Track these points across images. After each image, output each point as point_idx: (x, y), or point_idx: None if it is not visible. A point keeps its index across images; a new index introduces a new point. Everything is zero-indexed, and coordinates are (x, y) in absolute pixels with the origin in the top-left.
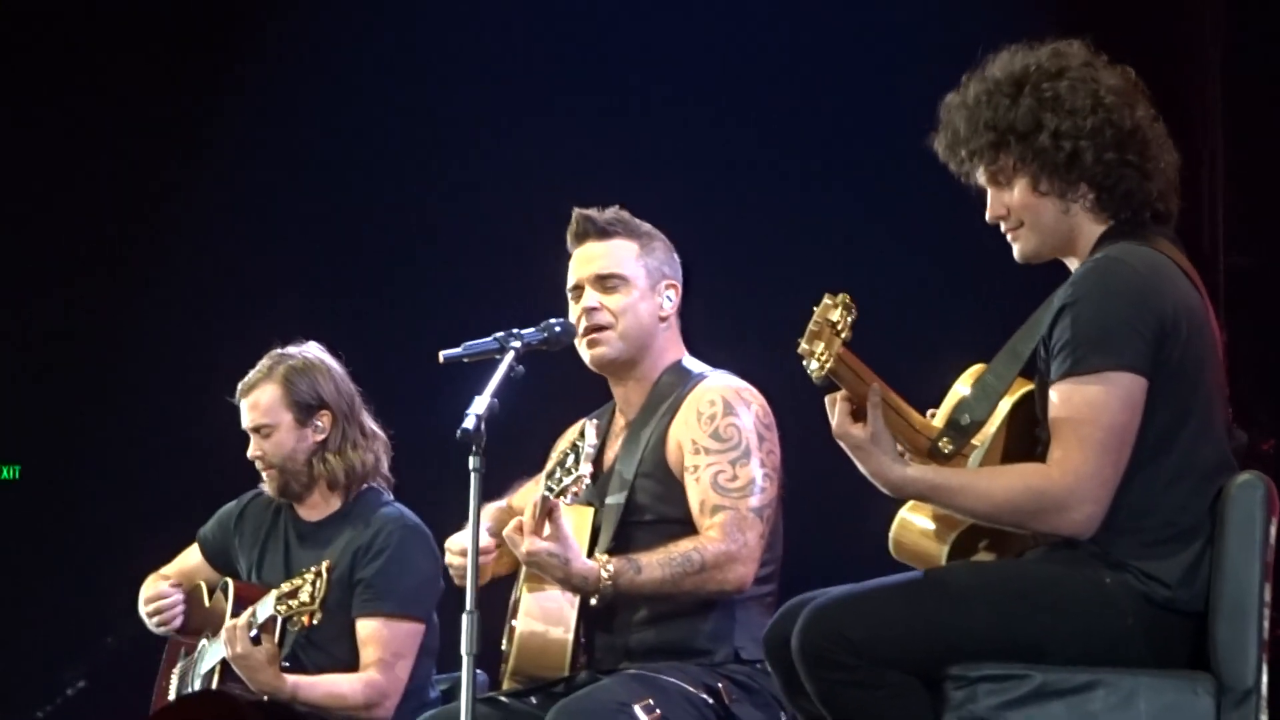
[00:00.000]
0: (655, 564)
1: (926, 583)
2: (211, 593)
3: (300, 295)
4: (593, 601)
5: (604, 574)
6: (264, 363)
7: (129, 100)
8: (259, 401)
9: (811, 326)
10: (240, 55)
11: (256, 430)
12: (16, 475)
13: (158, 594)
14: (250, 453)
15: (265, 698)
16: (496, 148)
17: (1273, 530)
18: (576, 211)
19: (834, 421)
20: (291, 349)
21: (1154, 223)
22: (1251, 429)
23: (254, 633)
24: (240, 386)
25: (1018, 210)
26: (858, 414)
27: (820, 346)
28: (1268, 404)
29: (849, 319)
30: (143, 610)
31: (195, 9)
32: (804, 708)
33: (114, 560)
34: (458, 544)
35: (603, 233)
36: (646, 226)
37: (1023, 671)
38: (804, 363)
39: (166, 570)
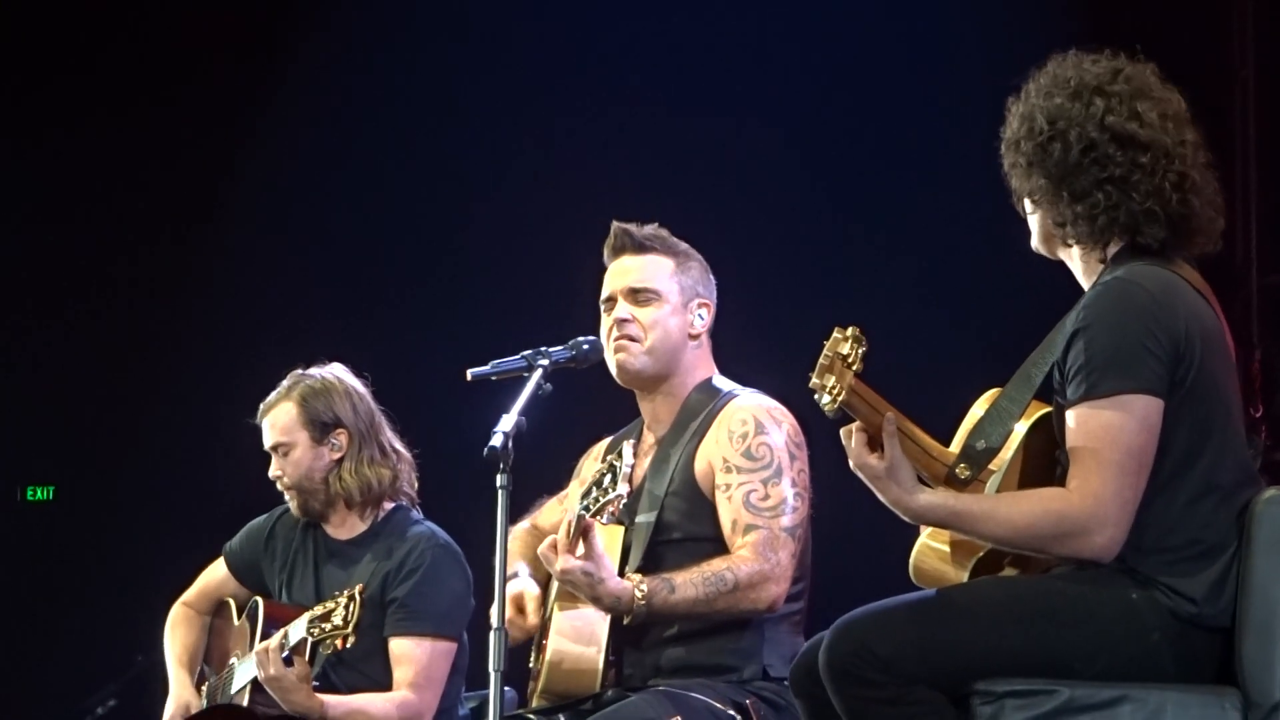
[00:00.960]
0: (689, 583)
1: (954, 599)
2: (240, 611)
3: (329, 315)
4: (625, 621)
5: (638, 594)
6: (284, 383)
7: (159, 123)
8: (277, 421)
9: (821, 360)
10: (269, 75)
11: (275, 449)
12: (51, 496)
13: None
14: (271, 473)
15: (293, 715)
16: (527, 165)
17: None
18: (615, 225)
19: (850, 452)
20: (313, 370)
21: (1174, 246)
22: None
23: (286, 654)
24: (261, 407)
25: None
26: (874, 444)
27: (831, 380)
28: None
29: (859, 351)
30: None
31: (228, 29)
32: None
33: (145, 580)
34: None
35: (640, 247)
36: (684, 245)
37: (1050, 687)
38: (815, 397)
39: (189, 596)
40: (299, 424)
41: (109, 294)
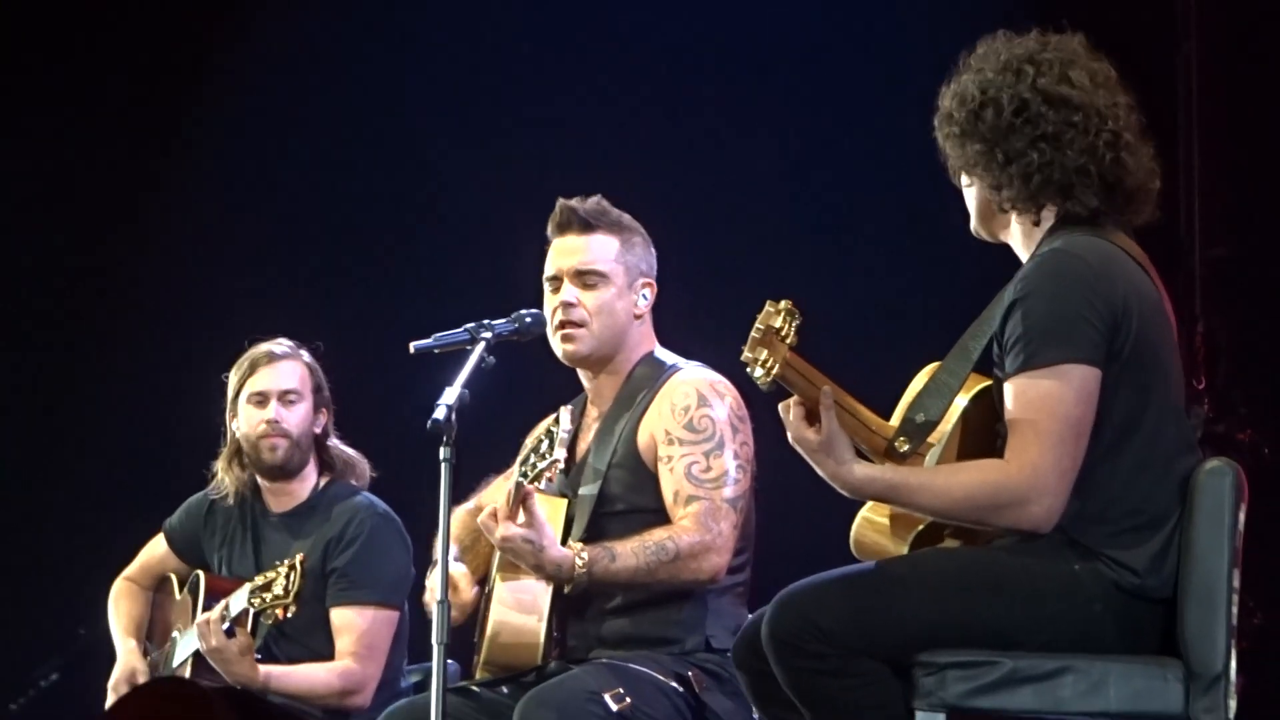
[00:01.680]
0: (630, 552)
1: (897, 570)
2: (182, 585)
3: (272, 288)
4: (566, 589)
5: (579, 561)
6: (276, 343)
7: (106, 97)
8: (291, 371)
9: (753, 334)
10: (217, 49)
11: (284, 395)
12: None
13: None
14: (268, 415)
15: (236, 686)
16: (470, 138)
17: (1241, 516)
18: (561, 202)
19: (789, 426)
20: (286, 341)
21: (1110, 213)
22: (1230, 419)
23: (227, 625)
24: (256, 357)
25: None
26: (812, 418)
27: (764, 354)
28: (1245, 394)
29: (793, 324)
30: (113, 685)
31: (173, 3)
32: (773, 714)
33: (86, 554)
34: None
35: (585, 225)
36: (628, 220)
37: (992, 658)
38: (748, 370)
39: (131, 571)
40: (309, 386)
41: (44, 270)
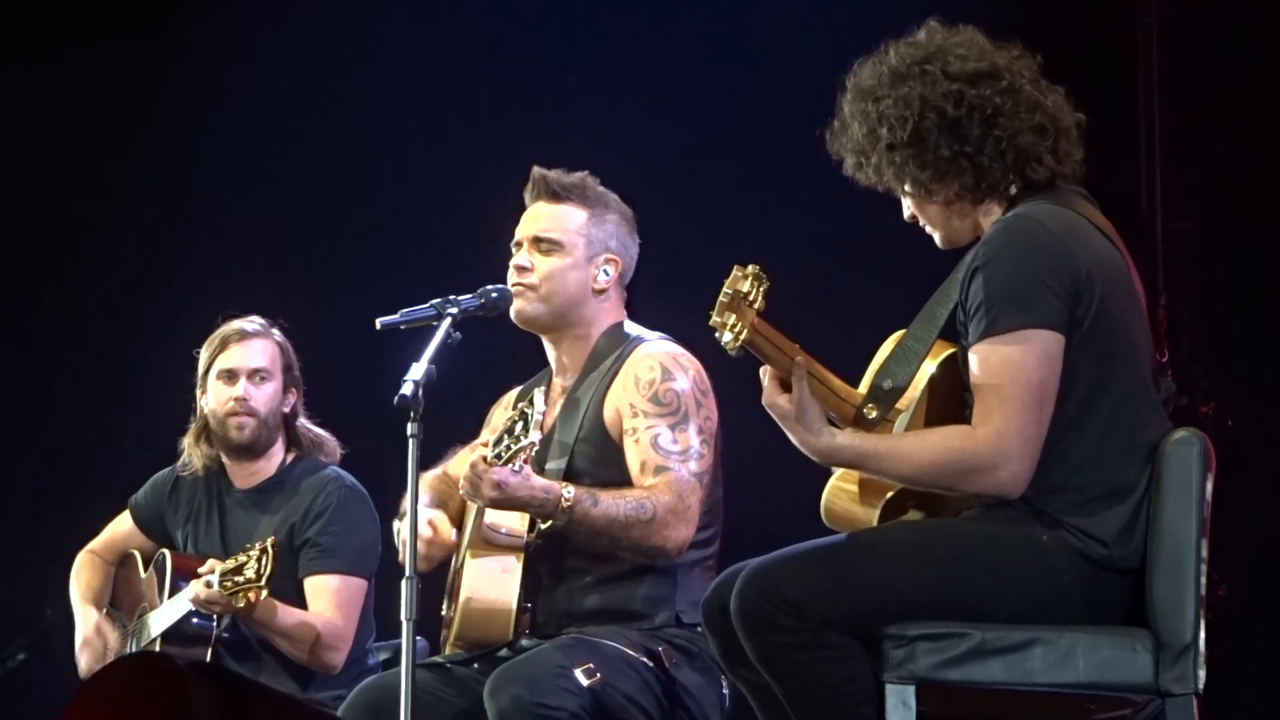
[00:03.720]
0: (612, 502)
1: (865, 542)
2: (147, 563)
3: (238, 264)
4: (543, 525)
5: (565, 495)
6: (248, 321)
7: (67, 70)
8: (261, 350)
9: (721, 298)
10: (185, 25)
11: (254, 373)
12: None
13: (101, 643)
14: (236, 393)
15: (207, 658)
16: (440, 112)
17: (1209, 487)
18: (535, 169)
19: (764, 391)
20: (258, 319)
21: (1063, 181)
22: (1193, 392)
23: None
24: (227, 334)
25: (919, 215)
26: (784, 384)
27: (732, 318)
28: (1208, 367)
29: (761, 289)
30: (84, 641)
31: None
32: (742, 676)
33: (51, 533)
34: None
35: (554, 195)
36: (609, 198)
37: (961, 630)
38: (716, 335)
39: (95, 545)
40: (279, 364)
41: (10, 245)
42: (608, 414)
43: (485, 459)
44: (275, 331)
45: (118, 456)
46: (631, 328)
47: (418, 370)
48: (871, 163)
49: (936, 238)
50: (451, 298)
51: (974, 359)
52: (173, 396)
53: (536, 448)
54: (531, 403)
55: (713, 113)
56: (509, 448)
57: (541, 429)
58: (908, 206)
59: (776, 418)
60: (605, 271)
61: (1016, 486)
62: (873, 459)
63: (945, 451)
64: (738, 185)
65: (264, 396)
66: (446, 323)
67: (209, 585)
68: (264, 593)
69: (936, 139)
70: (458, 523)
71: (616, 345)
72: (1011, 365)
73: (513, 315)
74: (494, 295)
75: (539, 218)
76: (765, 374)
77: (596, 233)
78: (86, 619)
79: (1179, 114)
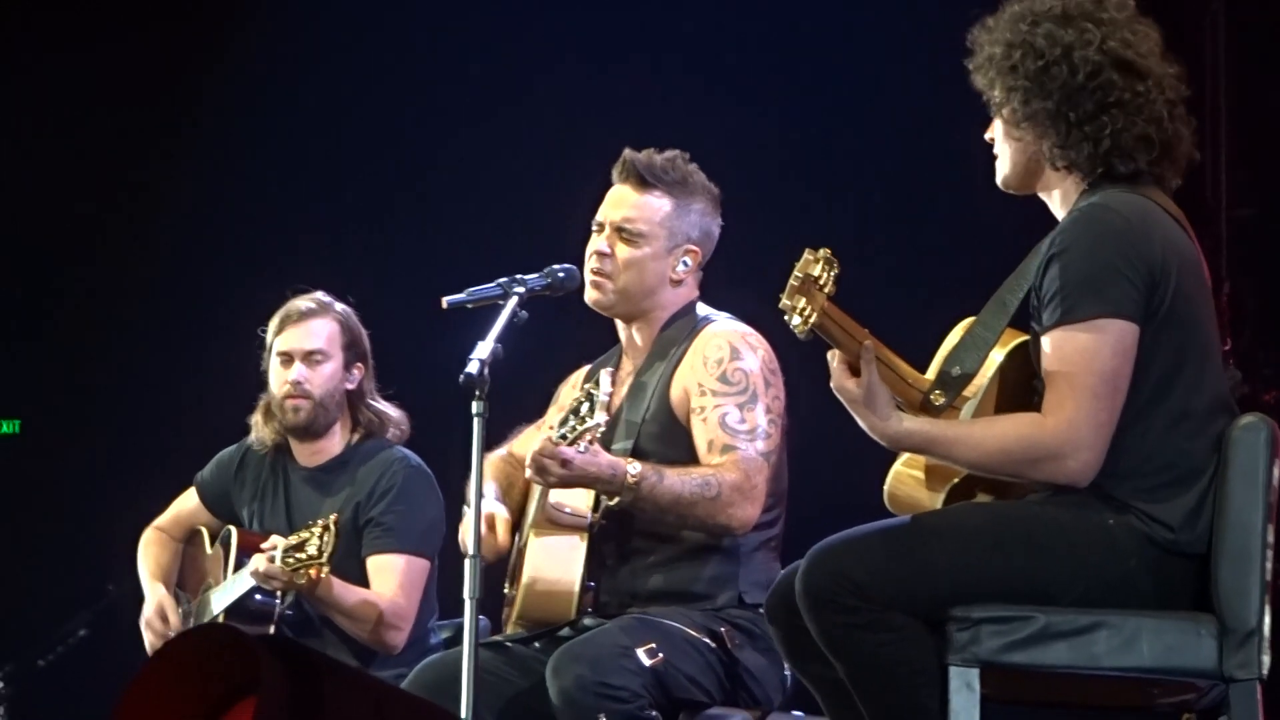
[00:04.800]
0: (677, 478)
1: (931, 524)
2: (213, 539)
3: (305, 242)
4: (611, 502)
5: (631, 472)
6: (308, 298)
7: (120, 52)
8: (319, 330)
9: (792, 281)
10: (234, 3)
11: (309, 355)
12: (17, 429)
13: (162, 625)
14: (291, 376)
15: (271, 631)
16: (506, 88)
17: (1276, 472)
18: (627, 151)
19: (833, 374)
20: (321, 295)
21: (1152, 173)
22: (1255, 380)
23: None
24: (288, 313)
25: (996, 142)
26: (852, 369)
27: (802, 302)
28: (1271, 355)
29: (831, 273)
30: (145, 622)
31: None
32: (806, 669)
33: (114, 510)
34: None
35: (642, 182)
36: (696, 181)
37: (1026, 613)
38: (786, 319)
39: (162, 521)
40: (339, 343)
41: (71, 225)
42: (675, 394)
43: (551, 439)
44: (338, 307)
45: (179, 432)
46: (701, 308)
47: (484, 349)
48: (991, 70)
49: (998, 174)
50: (518, 276)
51: (1047, 345)
52: (237, 373)
53: (602, 429)
54: (598, 384)
55: (786, 95)
56: (574, 428)
57: (609, 409)
58: (993, 129)
59: (845, 402)
60: (684, 262)
61: (1085, 476)
62: (941, 444)
63: (1015, 439)
64: (810, 168)
65: (320, 379)
66: (513, 302)
67: (271, 560)
68: (325, 570)
69: (1052, 90)
70: (522, 504)
71: (687, 326)
72: (1086, 354)
73: (588, 301)
74: (561, 275)
75: (624, 204)
76: (834, 358)
77: (679, 224)
78: (152, 596)
79: (1244, 100)
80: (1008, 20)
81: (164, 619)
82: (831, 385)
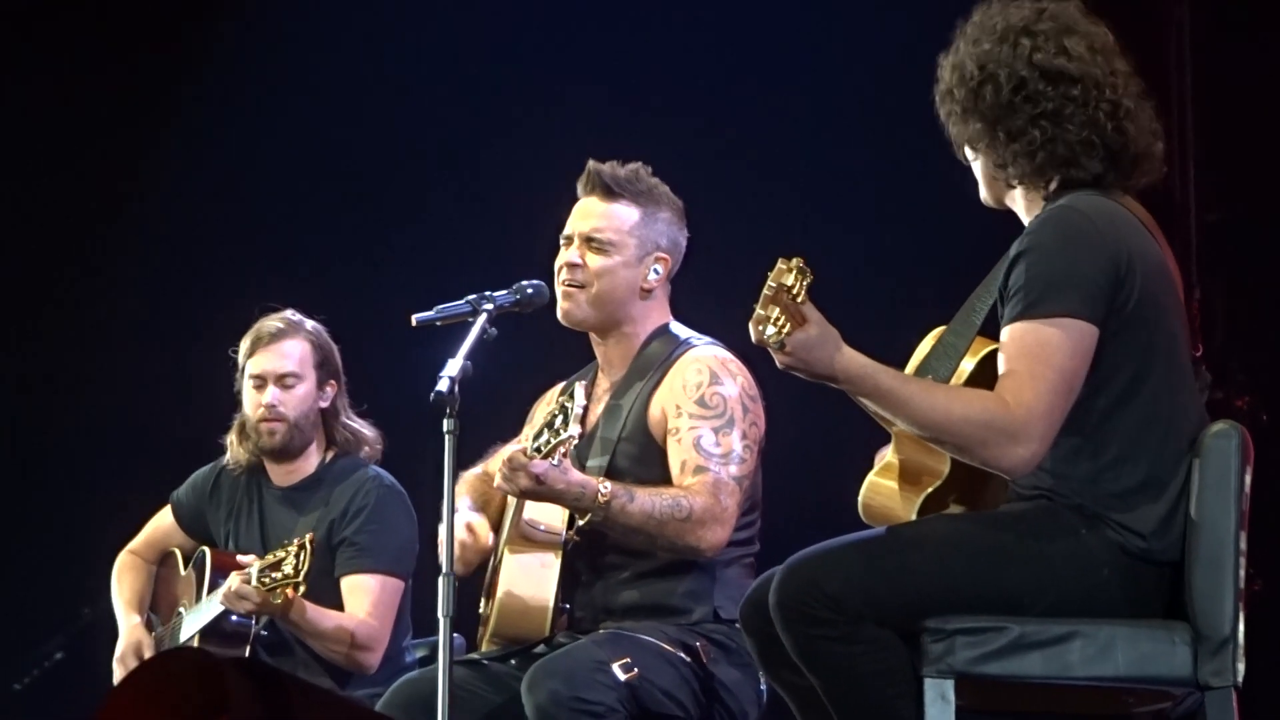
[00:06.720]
0: (648, 498)
1: (903, 536)
2: (186, 561)
3: (274, 260)
4: (581, 521)
5: (601, 490)
6: (278, 319)
7: (97, 65)
8: (290, 351)
9: (765, 291)
10: (215, 17)
11: (282, 378)
12: None
13: (135, 659)
14: (265, 400)
15: (246, 653)
16: (472, 107)
17: (1248, 479)
18: (591, 163)
19: (787, 342)
20: (293, 313)
21: (1115, 178)
22: (1227, 385)
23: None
24: (258, 335)
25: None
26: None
27: (776, 312)
28: (1242, 360)
29: (804, 283)
30: (119, 658)
31: None
32: (781, 678)
33: (89, 532)
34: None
35: (608, 192)
36: (660, 192)
37: (1000, 624)
38: (759, 329)
39: (136, 544)
40: (311, 363)
41: (38, 244)
42: (653, 414)
43: (525, 451)
44: (308, 325)
45: (155, 454)
46: (680, 330)
47: (453, 366)
48: (942, 99)
49: (980, 190)
50: (487, 293)
51: (1009, 336)
52: (211, 393)
53: (576, 441)
54: (572, 396)
55: (752, 105)
56: (548, 441)
57: (584, 425)
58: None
59: (799, 356)
60: (655, 270)
61: (1027, 466)
62: (891, 396)
63: (980, 410)
64: (777, 182)
65: (294, 400)
66: (482, 319)
67: (247, 581)
68: (302, 589)
69: (984, 109)
70: (497, 522)
71: (665, 348)
72: (1048, 348)
73: (560, 316)
74: (530, 291)
75: (591, 215)
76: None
77: (648, 232)
78: (127, 629)
79: (1213, 106)
80: (958, 43)
81: (139, 658)
82: (787, 347)
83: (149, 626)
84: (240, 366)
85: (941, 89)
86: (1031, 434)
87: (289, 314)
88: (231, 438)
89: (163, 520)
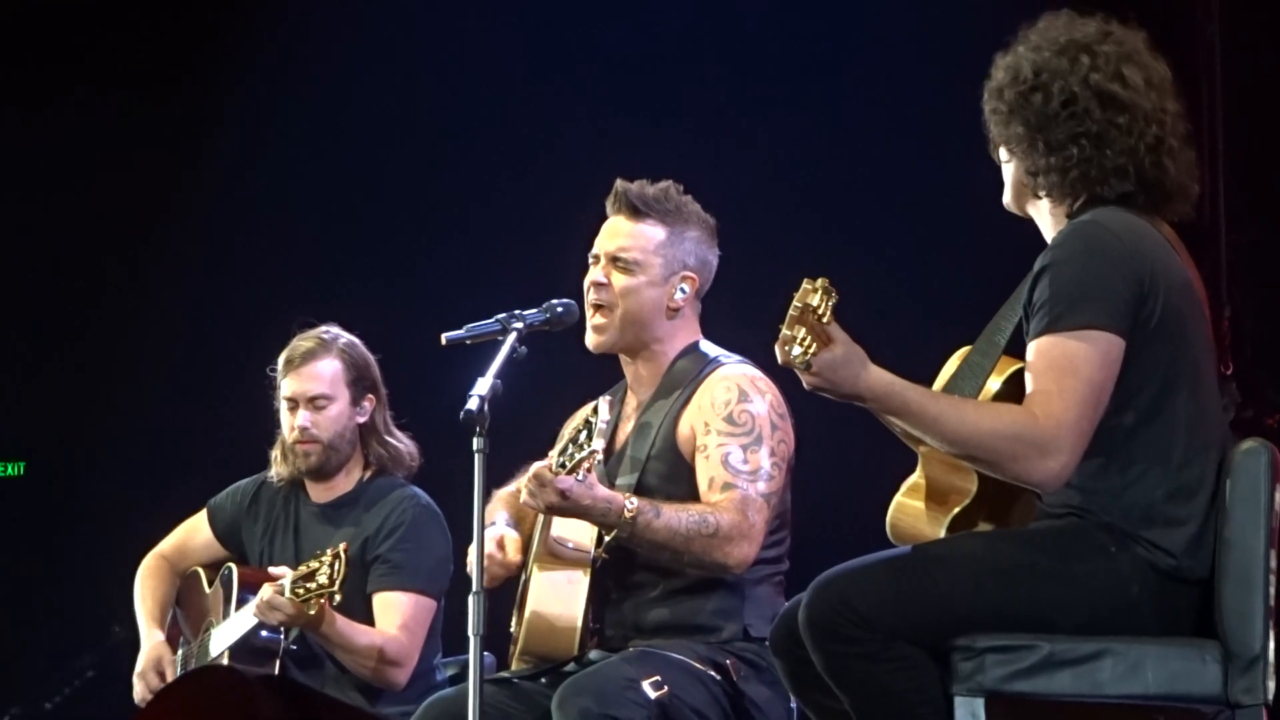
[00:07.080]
0: (674, 514)
1: (933, 554)
2: (211, 580)
3: (304, 278)
4: (608, 538)
5: (628, 506)
6: (310, 337)
7: (132, 81)
8: (322, 373)
9: (791, 312)
10: (246, 34)
11: (314, 400)
12: (21, 471)
13: (157, 681)
14: (298, 423)
15: (275, 671)
16: (506, 124)
17: (1278, 497)
18: (619, 182)
19: (814, 364)
20: (329, 328)
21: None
22: (1257, 404)
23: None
24: (290, 356)
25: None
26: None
27: (802, 333)
28: (1272, 379)
29: (829, 303)
30: (140, 674)
31: None
32: (810, 700)
33: (119, 551)
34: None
35: (635, 211)
36: (690, 210)
37: (1030, 642)
38: (785, 349)
39: (165, 548)
40: (343, 381)
41: (76, 263)
42: (682, 432)
43: (550, 467)
44: (341, 341)
45: (189, 472)
46: (710, 348)
47: (483, 385)
48: (989, 95)
49: (1005, 192)
50: (517, 312)
51: (1035, 350)
52: (245, 408)
53: (600, 456)
54: (596, 411)
55: (783, 125)
56: (573, 456)
57: (614, 443)
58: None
59: (825, 376)
60: (682, 289)
61: (1059, 479)
62: (919, 414)
63: (1009, 424)
64: (806, 200)
65: (326, 421)
66: (512, 337)
67: (280, 592)
68: (337, 598)
69: (1029, 115)
70: (528, 540)
71: (694, 366)
72: (1075, 360)
73: (588, 344)
74: (559, 310)
75: (618, 234)
76: (802, 343)
77: (674, 251)
78: (148, 644)
79: (1243, 124)
80: (1018, 45)
81: (160, 675)
82: (812, 369)
83: (171, 642)
84: (278, 385)
85: (992, 85)
86: (1061, 446)
87: (323, 330)
88: (275, 453)
89: (196, 525)
